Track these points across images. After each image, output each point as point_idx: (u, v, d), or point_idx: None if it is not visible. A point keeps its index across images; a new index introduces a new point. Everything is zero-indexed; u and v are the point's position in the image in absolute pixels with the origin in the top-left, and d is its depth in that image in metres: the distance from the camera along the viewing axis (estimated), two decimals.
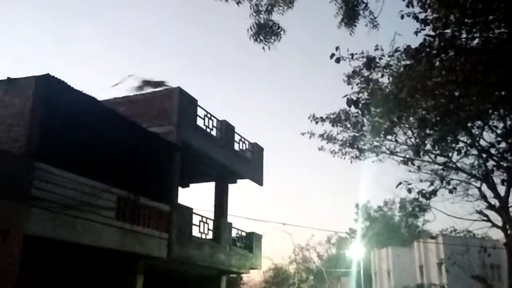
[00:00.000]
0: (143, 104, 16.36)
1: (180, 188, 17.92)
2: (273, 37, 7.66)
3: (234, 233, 19.89)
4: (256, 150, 21.36)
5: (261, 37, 7.61)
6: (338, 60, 11.46)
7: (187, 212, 16.51)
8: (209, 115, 17.73)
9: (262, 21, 7.60)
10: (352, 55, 12.44)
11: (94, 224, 12.29)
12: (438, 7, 7.80)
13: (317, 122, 18.33)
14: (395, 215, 55.20)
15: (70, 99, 11.81)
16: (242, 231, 20.56)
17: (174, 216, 15.50)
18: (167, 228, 15.13)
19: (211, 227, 17.97)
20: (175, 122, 15.78)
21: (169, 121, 15.79)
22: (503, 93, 9.44)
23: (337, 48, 11.44)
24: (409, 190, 17.13)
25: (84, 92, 11.87)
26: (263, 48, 7.61)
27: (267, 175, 22.21)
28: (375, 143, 18.55)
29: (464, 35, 8.30)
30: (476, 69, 8.08)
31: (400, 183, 16.96)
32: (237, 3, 7.38)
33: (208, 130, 17.67)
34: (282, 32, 7.67)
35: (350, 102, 12.18)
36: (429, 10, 8.61)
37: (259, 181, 21.45)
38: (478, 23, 7.88)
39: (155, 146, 15.15)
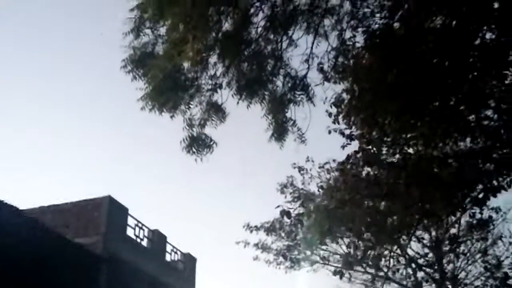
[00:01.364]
0: (71, 213, 15.67)
1: None
2: (205, 149, 7.78)
3: None
4: (189, 261, 20.64)
5: (193, 149, 7.71)
6: (283, 189, 11.62)
7: None
8: (140, 225, 17.18)
9: (195, 134, 7.75)
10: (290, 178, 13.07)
11: None
12: (361, 125, 8.37)
13: (251, 231, 18.24)
14: None
15: None
16: None
17: None
18: None
19: None
20: (103, 232, 15.12)
21: (96, 232, 15.11)
22: (426, 206, 9.92)
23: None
24: None
25: (4, 200, 11.26)
26: (195, 160, 7.68)
27: (200, 286, 21.26)
28: (309, 253, 18.56)
29: (385, 151, 8.87)
30: (398, 183, 8.52)
31: None
32: (171, 117, 7.54)
33: (138, 240, 17.01)
34: (214, 145, 7.81)
35: (283, 213, 12.39)
36: (353, 127, 9.22)
37: None
38: (397, 141, 8.49)
39: (80, 258, 14.28)
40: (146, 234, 17.59)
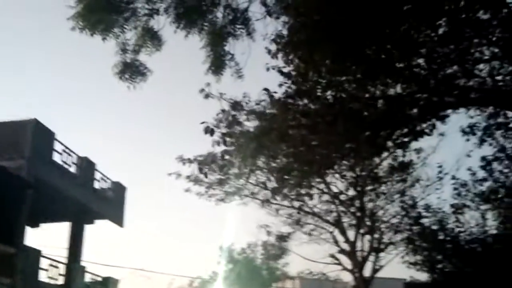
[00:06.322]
0: None
1: (29, 228, 16.39)
2: (138, 77, 7.55)
3: (88, 278, 18.60)
4: (118, 189, 20.46)
5: (126, 76, 7.45)
6: (207, 96, 11.61)
7: (35, 255, 15.09)
8: (68, 150, 16.67)
9: (128, 60, 7.45)
10: (221, 94, 13.01)
11: None
12: (298, 63, 8.39)
13: (184, 163, 18.30)
14: (257, 258, 56.21)
15: None
16: (97, 276, 19.31)
17: (19, 259, 14.05)
18: (10, 273, 13.66)
19: (62, 271, 16.60)
20: (28, 156, 14.51)
21: (20, 155, 14.47)
22: (351, 145, 10.30)
23: (207, 84, 11.41)
24: (268, 233, 18.07)
25: None
26: (128, 87, 7.44)
27: (129, 215, 21.31)
28: (239, 186, 19.01)
29: (319, 92, 9.01)
30: (326, 117, 8.71)
31: (261, 226, 17.75)
32: (103, 39, 7.16)
33: (66, 166, 16.56)
34: (148, 73, 7.59)
35: (207, 130, 12.37)
36: (291, 65, 9.22)
37: (120, 222, 20.47)
38: (331, 82, 8.62)
39: (3, 182, 13.74)
40: (74, 160, 17.12)
